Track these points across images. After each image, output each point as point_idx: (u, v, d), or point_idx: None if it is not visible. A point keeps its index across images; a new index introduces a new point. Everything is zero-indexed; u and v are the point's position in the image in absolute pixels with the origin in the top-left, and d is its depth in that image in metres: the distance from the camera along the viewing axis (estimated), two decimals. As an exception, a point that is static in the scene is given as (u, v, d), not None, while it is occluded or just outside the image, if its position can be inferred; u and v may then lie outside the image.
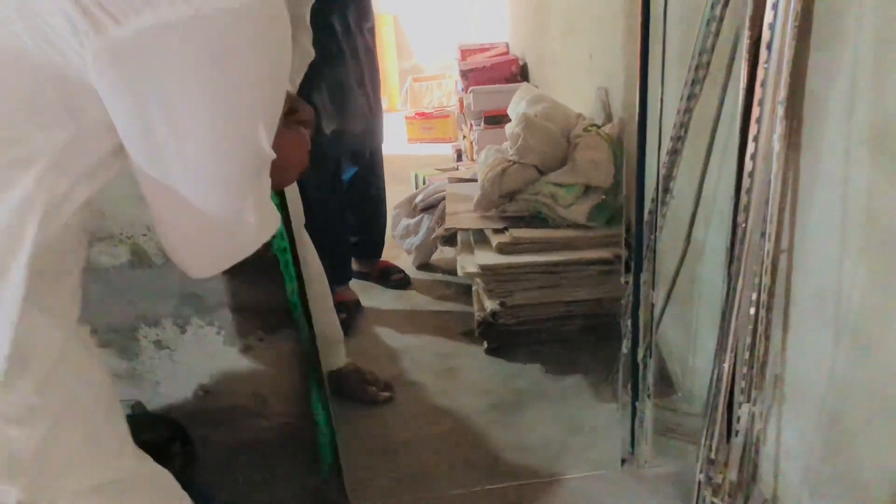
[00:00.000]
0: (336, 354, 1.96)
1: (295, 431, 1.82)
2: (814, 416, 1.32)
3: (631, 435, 1.64)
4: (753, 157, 1.25)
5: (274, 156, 0.69)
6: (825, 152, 1.21)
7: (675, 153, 1.42)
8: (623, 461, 1.65)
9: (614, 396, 1.89)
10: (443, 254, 2.91)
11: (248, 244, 0.75)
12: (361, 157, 2.43)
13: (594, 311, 2.11)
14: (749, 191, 1.27)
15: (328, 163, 2.28)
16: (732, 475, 1.31)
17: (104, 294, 1.57)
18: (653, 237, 1.46)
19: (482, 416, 1.89)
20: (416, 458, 1.75)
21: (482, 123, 3.52)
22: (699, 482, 1.38)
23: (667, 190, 1.47)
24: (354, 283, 2.61)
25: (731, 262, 1.30)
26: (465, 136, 4.10)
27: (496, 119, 3.39)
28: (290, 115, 0.98)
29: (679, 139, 1.41)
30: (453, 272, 2.75)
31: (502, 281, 2.09)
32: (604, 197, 2.15)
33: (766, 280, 1.26)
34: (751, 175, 1.26)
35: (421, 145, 4.89)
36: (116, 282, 1.57)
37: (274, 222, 0.77)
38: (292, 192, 1.66)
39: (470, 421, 1.87)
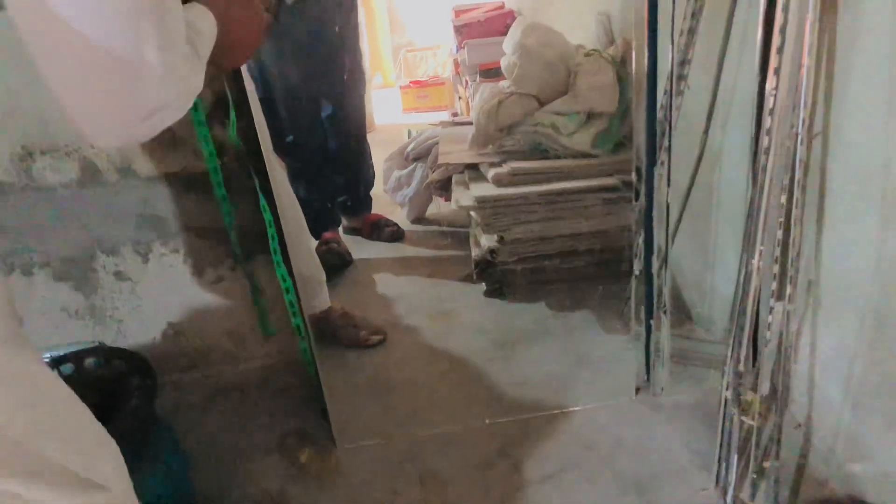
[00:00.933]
0: (319, 296, 1.80)
1: (276, 374, 1.67)
2: (856, 319, 1.16)
3: (646, 362, 1.48)
4: (783, 30, 1.08)
5: None
6: (868, 7, 1.05)
7: (690, 32, 1.26)
8: (637, 390, 1.49)
9: (626, 328, 1.73)
10: (439, 207, 2.75)
11: (153, 93, 0.63)
12: (338, 96, 2.25)
13: (600, 245, 1.95)
14: (778, 71, 1.11)
15: (305, 101, 2.13)
16: (764, 388, 1.15)
17: (53, 218, 1.42)
18: (667, 132, 1.29)
19: (482, 354, 1.72)
20: (409, 398, 1.59)
21: (478, 78, 3.35)
22: (725, 400, 1.22)
23: (681, 77, 1.30)
24: (345, 240, 2.45)
25: (755, 155, 1.14)
26: (460, 98, 3.94)
27: (492, 72, 3.22)
28: None
29: (693, 15, 1.24)
30: (450, 224, 2.61)
31: (500, 214, 1.93)
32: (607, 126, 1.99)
33: (798, 172, 1.09)
34: (780, 51, 1.10)
35: (416, 115, 4.73)
36: (66, 203, 1.41)
37: (190, 72, 0.67)
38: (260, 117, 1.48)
39: (468, 360, 1.71)
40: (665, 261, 1.33)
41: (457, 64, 3.92)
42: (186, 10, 0.75)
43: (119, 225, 1.44)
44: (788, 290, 1.08)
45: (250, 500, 1.34)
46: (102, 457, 0.75)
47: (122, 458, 0.78)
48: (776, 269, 1.13)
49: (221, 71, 1.04)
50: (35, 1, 0.55)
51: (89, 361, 1.31)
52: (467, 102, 3.59)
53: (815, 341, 1.27)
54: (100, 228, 1.44)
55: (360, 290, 2.17)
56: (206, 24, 0.79)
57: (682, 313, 1.75)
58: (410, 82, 4.95)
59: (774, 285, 1.13)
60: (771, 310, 1.13)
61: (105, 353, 1.34)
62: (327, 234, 2.33)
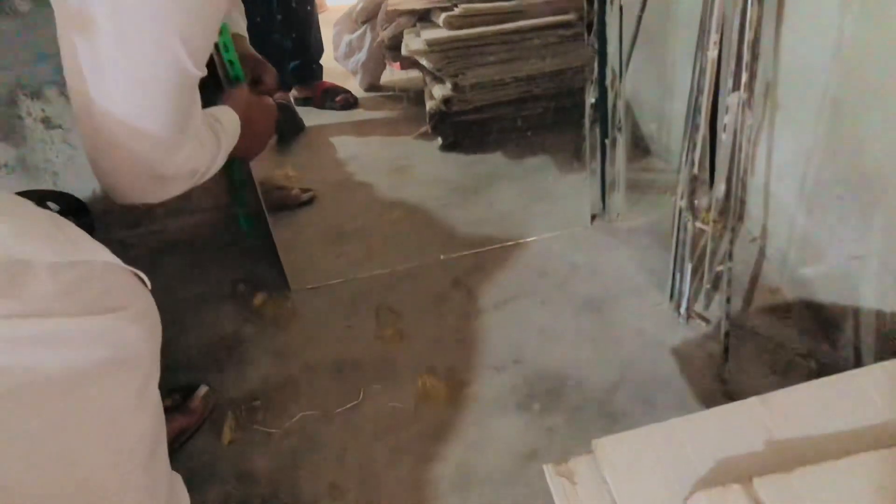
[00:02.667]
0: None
1: (224, 226, 1.61)
2: (813, 115, 1.12)
3: (601, 190, 1.45)
4: None
5: (200, 74, 0.72)
6: None
7: None
8: (593, 217, 1.47)
9: (582, 166, 1.69)
10: (392, 74, 2.64)
11: (170, 166, 0.75)
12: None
13: (557, 88, 1.88)
14: None
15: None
16: (719, 190, 1.12)
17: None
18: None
19: (437, 201, 1.68)
20: (363, 244, 1.56)
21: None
22: (679, 209, 1.20)
23: None
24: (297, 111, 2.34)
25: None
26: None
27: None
28: (255, 84, 1.10)
29: None
30: (405, 89, 2.51)
31: (453, 58, 1.84)
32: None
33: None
34: None
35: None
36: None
37: (205, 154, 0.81)
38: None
39: (424, 207, 1.67)
40: (620, 76, 1.27)
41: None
42: (215, 108, 0.91)
43: (39, 62, 1.33)
44: (744, 77, 1.03)
45: (205, 343, 1.31)
46: None
47: None
48: (733, 66, 1.08)
49: (243, 160, 1.15)
50: (85, 70, 0.66)
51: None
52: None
53: (772, 148, 1.24)
54: (16, 67, 1.33)
55: (312, 154, 2.10)
56: (229, 119, 0.92)
57: (640, 148, 1.71)
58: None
59: (730, 81, 1.09)
60: (727, 109, 1.09)
61: (35, 197, 1.27)
62: (277, 96, 2.23)
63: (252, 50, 1.17)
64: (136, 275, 0.73)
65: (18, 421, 0.60)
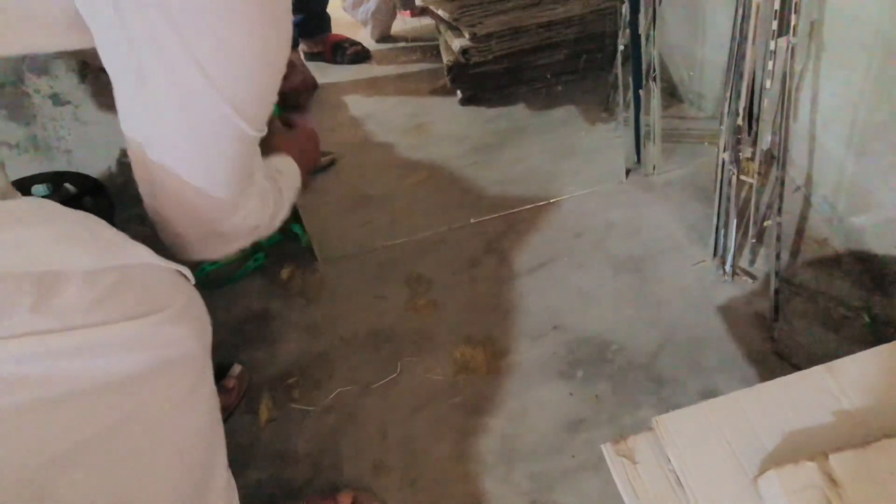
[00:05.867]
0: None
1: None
2: (863, 56, 1.05)
3: (635, 142, 1.39)
4: None
5: (260, 134, 0.69)
6: None
7: None
8: (628, 172, 1.41)
9: (611, 117, 1.62)
10: (405, 23, 2.55)
11: (229, 225, 0.73)
12: None
13: (578, 34, 1.79)
14: None
15: None
16: (765, 141, 1.06)
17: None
18: None
19: (460, 160, 1.63)
20: (388, 210, 1.51)
21: None
22: (722, 162, 1.13)
23: None
24: (308, 67, 2.26)
25: None
26: None
27: None
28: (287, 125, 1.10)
29: None
30: (418, 39, 2.42)
31: (469, 7, 1.75)
32: None
33: None
34: None
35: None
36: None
37: (266, 209, 0.78)
38: None
39: (447, 167, 1.62)
40: (654, 21, 1.20)
41: None
42: (275, 159, 0.90)
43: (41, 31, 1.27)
44: (793, 20, 0.96)
45: (234, 321, 1.29)
46: None
47: None
48: (777, 4, 1.01)
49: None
50: (139, 117, 0.64)
51: (38, 188, 1.20)
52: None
53: (817, 93, 1.17)
54: (19, 43, 1.28)
55: (327, 114, 2.03)
56: (289, 169, 0.92)
57: (671, 95, 1.64)
58: None
59: (775, 24, 1.01)
60: (773, 53, 1.02)
61: (51, 178, 1.23)
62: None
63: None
64: (178, 271, 0.69)
65: (65, 431, 0.58)
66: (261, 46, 0.65)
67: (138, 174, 0.69)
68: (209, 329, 0.72)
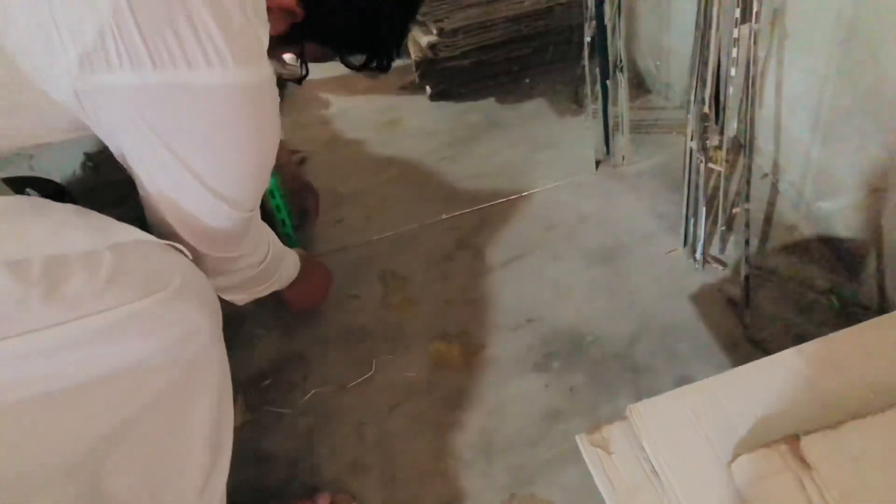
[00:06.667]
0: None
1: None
2: (826, 41, 1.06)
3: (604, 134, 1.39)
4: None
5: (249, 215, 0.78)
6: None
7: None
8: (598, 163, 1.41)
9: (580, 108, 1.62)
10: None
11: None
12: None
13: (547, 26, 1.79)
14: None
15: None
16: (732, 127, 1.07)
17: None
18: None
19: (432, 155, 1.62)
20: (360, 207, 1.50)
21: None
22: (690, 151, 1.14)
23: None
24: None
25: None
26: None
27: None
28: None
29: None
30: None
31: (437, 1, 1.74)
32: None
33: None
34: None
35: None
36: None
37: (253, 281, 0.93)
38: None
39: (419, 163, 1.61)
40: (619, 9, 1.20)
41: None
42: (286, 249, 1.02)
43: None
44: (755, 6, 0.96)
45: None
46: None
47: None
48: (739, -5, 1.01)
49: (296, 310, 1.21)
50: (141, 166, 0.70)
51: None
52: None
53: (782, 79, 1.18)
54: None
55: (296, 112, 2.01)
56: (290, 257, 1.03)
57: (639, 85, 1.65)
58: None
59: (738, 12, 1.02)
60: (736, 40, 1.02)
61: (13, 183, 1.20)
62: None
63: (296, 170, 1.30)
64: (173, 247, 0.71)
65: (104, 415, 0.62)
66: (253, 156, 0.72)
67: (145, 209, 0.76)
68: (215, 301, 0.75)
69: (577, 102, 1.64)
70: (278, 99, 0.72)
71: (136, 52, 0.59)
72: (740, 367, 0.77)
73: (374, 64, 0.87)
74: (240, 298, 0.94)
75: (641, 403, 0.75)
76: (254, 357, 1.18)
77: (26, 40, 0.60)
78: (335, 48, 0.85)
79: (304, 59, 0.87)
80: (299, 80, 0.89)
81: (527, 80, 1.81)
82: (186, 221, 0.73)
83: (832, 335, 0.77)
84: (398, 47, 0.87)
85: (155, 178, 0.69)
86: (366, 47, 0.85)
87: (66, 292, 0.58)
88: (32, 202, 0.68)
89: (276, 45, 0.75)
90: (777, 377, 0.76)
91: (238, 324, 1.24)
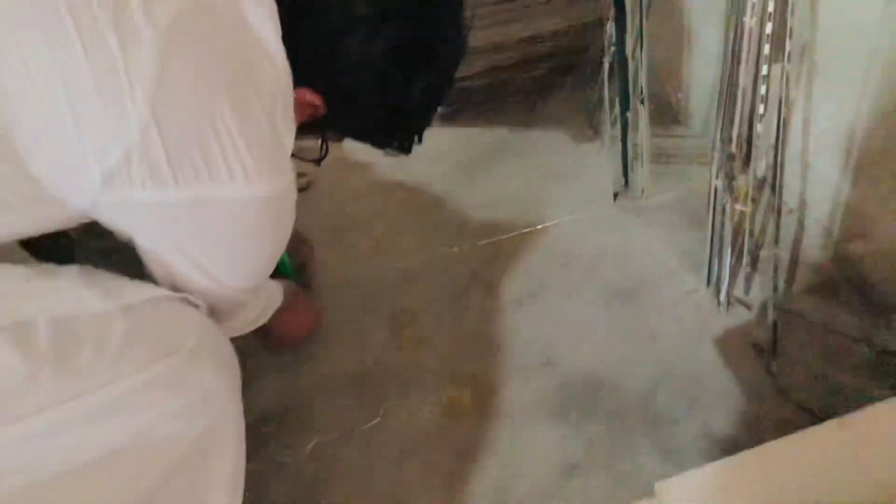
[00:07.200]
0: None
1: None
2: (859, 79, 1.01)
3: (623, 164, 1.34)
4: None
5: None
6: None
7: None
8: (616, 195, 1.36)
9: (596, 135, 1.58)
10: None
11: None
12: None
13: (562, 48, 1.74)
14: None
15: None
16: (760, 167, 1.02)
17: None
18: None
19: (442, 181, 1.57)
20: (369, 234, 1.45)
21: None
22: (715, 189, 1.09)
23: None
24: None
25: None
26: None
27: None
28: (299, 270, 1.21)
29: None
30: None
31: (448, 23, 1.70)
32: None
33: None
34: None
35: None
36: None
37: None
38: None
39: (428, 189, 1.56)
40: (641, 39, 1.15)
41: None
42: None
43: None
44: (788, 46, 0.91)
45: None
46: None
47: None
48: (769, 27, 0.96)
49: (279, 346, 1.18)
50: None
51: None
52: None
53: (810, 115, 1.13)
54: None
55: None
56: (275, 289, 1.00)
57: (657, 111, 1.59)
58: None
59: (767, 48, 0.97)
60: (765, 78, 0.97)
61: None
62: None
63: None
64: (188, 300, 0.70)
65: (120, 490, 0.60)
66: (266, 257, 0.74)
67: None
68: (233, 358, 0.73)
69: (594, 128, 1.59)
70: (295, 199, 0.71)
71: (160, 172, 0.58)
72: (778, 441, 0.72)
73: (396, 145, 0.84)
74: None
75: (671, 481, 0.70)
76: (254, 400, 1.13)
77: (52, 164, 0.58)
78: (357, 138, 0.84)
79: (324, 142, 0.84)
80: (318, 161, 0.86)
81: (542, 103, 1.76)
82: (193, 292, 0.71)
83: (879, 405, 0.72)
84: (421, 135, 0.85)
85: (164, 263, 0.68)
86: (388, 138, 0.82)
87: (77, 364, 0.56)
88: (38, 267, 0.66)
89: (298, 133, 0.72)
90: (818, 450, 0.71)
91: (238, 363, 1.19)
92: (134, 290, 0.64)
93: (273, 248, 0.74)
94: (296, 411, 1.11)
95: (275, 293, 1.00)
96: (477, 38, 1.66)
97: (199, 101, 0.57)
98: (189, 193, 0.59)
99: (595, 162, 1.46)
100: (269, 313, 0.98)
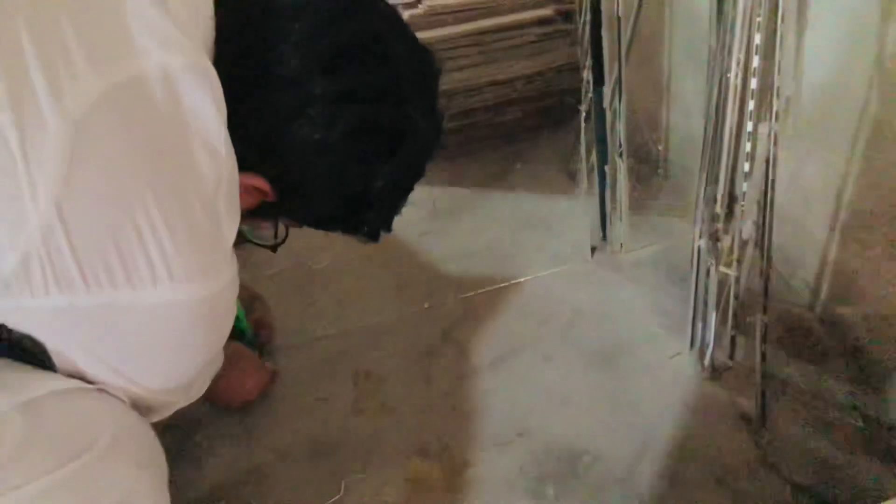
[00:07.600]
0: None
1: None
2: (846, 137, 0.97)
3: (601, 217, 1.28)
4: None
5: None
6: None
7: None
8: (593, 250, 1.30)
9: (573, 183, 1.52)
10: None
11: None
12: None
13: (538, 91, 1.70)
14: None
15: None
16: (747, 230, 0.96)
17: None
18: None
19: (414, 228, 1.50)
20: (333, 287, 1.37)
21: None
22: (698, 250, 1.03)
23: None
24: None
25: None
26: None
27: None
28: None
29: None
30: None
31: (420, 65, 1.64)
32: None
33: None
34: None
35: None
36: None
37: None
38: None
39: (398, 238, 1.49)
40: (619, 89, 1.10)
41: None
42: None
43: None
44: (775, 105, 0.86)
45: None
46: None
47: None
48: (753, 88, 0.91)
49: (221, 404, 1.10)
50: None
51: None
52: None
53: (797, 171, 1.08)
54: None
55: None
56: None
57: (635, 160, 1.55)
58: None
59: (752, 104, 0.92)
60: (749, 135, 0.92)
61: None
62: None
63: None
64: (104, 390, 0.60)
65: None
66: (201, 359, 0.65)
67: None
68: (158, 452, 0.64)
69: (570, 176, 1.54)
70: (236, 295, 0.62)
71: (67, 275, 0.50)
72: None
73: (361, 233, 0.76)
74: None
75: None
76: (204, 472, 1.04)
77: None
78: (314, 227, 0.75)
79: (278, 227, 0.76)
80: (274, 248, 0.78)
81: (517, 148, 1.71)
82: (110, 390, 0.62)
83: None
84: (388, 225, 0.77)
85: (71, 362, 0.58)
86: (350, 229, 0.74)
87: None
88: None
89: (247, 217, 0.65)
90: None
91: (187, 432, 1.10)
92: (38, 383, 0.55)
93: (208, 351, 0.65)
94: (249, 486, 1.02)
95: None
96: (450, 80, 1.62)
97: (116, 196, 0.50)
98: (102, 299, 0.51)
99: (572, 211, 1.40)
100: (207, 384, 0.88)
